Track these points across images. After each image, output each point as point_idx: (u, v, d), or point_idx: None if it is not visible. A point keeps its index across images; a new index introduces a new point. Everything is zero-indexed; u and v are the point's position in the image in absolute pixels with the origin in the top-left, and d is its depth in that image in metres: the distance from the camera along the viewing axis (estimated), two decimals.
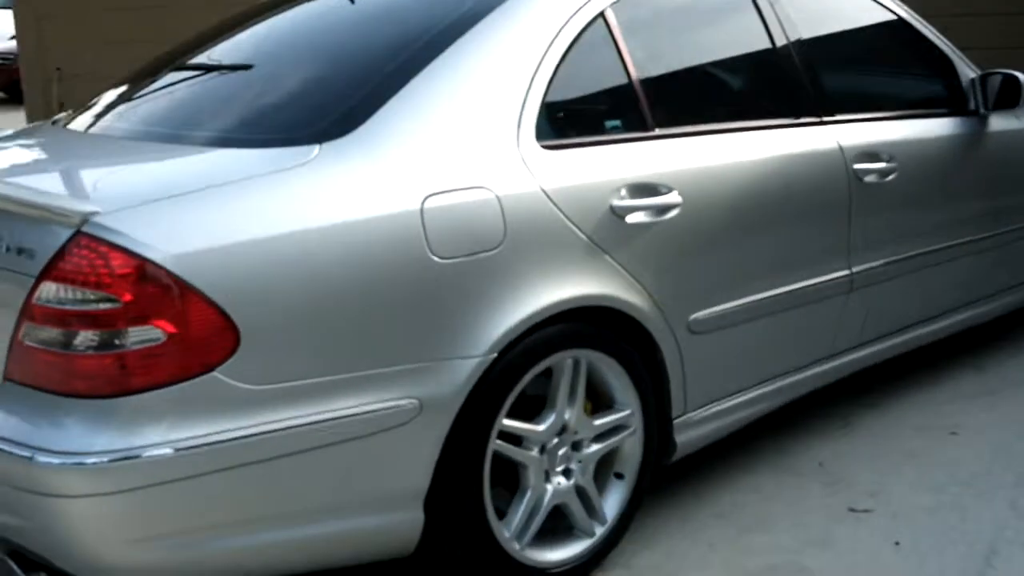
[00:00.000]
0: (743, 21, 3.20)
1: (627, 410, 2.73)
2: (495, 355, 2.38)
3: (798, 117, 3.23)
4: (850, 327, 3.37)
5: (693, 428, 2.92)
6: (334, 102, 2.47)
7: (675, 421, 2.87)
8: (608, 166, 2.68)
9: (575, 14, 2.74)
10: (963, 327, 3.97)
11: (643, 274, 2.69)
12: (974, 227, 3.83)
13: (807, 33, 3.32)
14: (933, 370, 4.05)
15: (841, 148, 3.26)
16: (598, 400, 2.72)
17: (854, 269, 3.31)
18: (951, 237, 3.72)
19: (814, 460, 3.35)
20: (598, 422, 2.69)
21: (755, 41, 3.22)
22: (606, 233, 2.62)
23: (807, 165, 3.15)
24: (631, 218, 2.67)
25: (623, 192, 2.66)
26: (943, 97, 3.83)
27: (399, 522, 2.36)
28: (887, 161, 3.40)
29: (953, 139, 3.76)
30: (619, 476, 2.78)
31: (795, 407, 3.46)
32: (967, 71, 3.88)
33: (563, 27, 2.70)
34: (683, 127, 2.91)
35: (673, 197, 2.75)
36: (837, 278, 3.27)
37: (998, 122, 3.94)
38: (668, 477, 3.13)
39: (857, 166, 3.29)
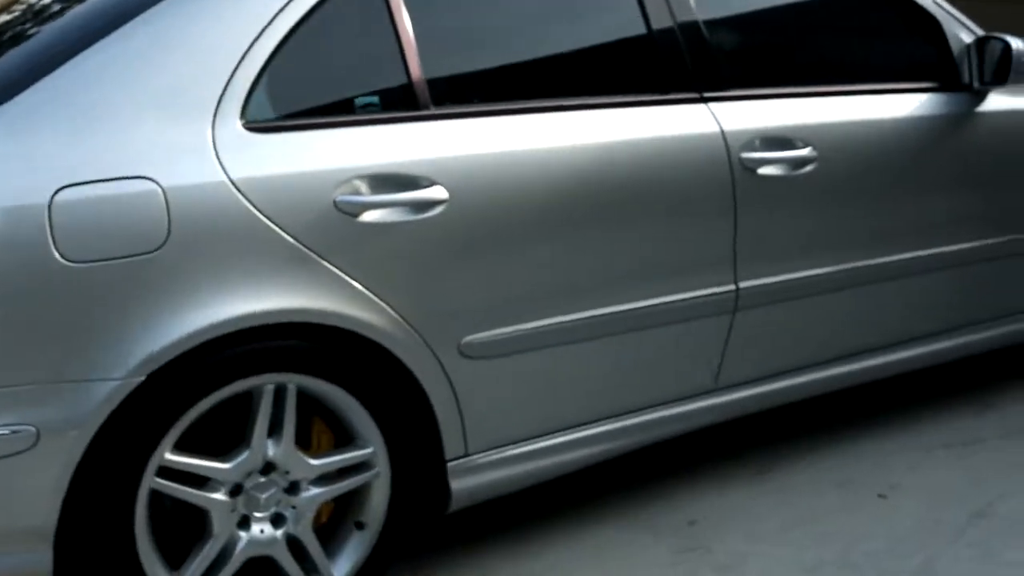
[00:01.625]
0: None
1: (368, 448, 2.26)
2: (142, 378, 2.00)
3: (659, 92, 2.61)
4: (738, 356, 2.71)
5: (477, 474, 2.40)
6: None
7: (450, 464, 2.37)
8: (340, 152, 2.20)
9: None
10: (933, 362, 3.16)
11: (383, 285, 2.21)
12: (949, 236, 3.06)
13: None
14: (893, 411, 3.29)
15: (723, 132, 2.61)
16: (343, 433, 2.28)
17: (742, 284, 2.64)
18: (909, 247, 2.98)
19: (688, 516, 2.72)
20: (317, 462, 2.23)
21: None
22: (324, 234, 2.16)
23: (659, 153, 2.53)
24: (367, 216, 2.18)
25: (357, 184, 2.17)
26: (920, 67, 3.11)
27: (22, 563, 2.01)
28: (801, 148, 2.71)
29: (924, 121, 3.02)
30: (359, 526, 2.32)
31: (709, 443, 2.91)
32: (960, 34, 3.11)
33: None
34: (474, 105, 2.40)
35: (434, 192, 2.24)
36: (712, 295, 2.62)
37: (999, 100, 3.13)
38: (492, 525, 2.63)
39: (747, 155, 2.62)
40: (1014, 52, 2.99)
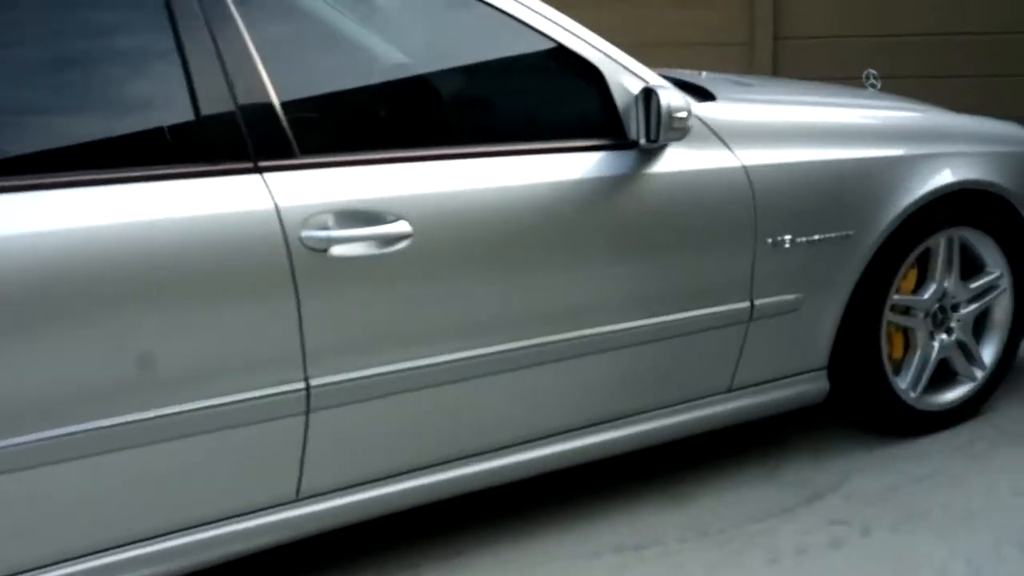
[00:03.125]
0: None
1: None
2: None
3: (207, 162, 2.16)
4: (325, 461, 2.33)
5: None
6: None
7: None
8: None
9: None
10: (609, 453, 2.72)
11: None
12: (616, 313, 2.58)
13: (239, 34, 2.20)
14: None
15: (277, 208, 2.16)
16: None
17: (314, 381, 2.29)
18: (556, 328, 2.51)
19: None
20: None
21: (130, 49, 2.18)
22: None
23: (204, 233, 2.12)
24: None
25: None
26: (579, 123, 2.61)
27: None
28: (391, 223, 2.25)
29: (574, 185, 2.51)
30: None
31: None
32: (626, 84, 2.59)
33: None
34: None
35: None
36: (278, 394, 2.22)
37: (683, 157, 2.64)
38: None
39: (309, 233, 2.20)
40: (662, 106, 2.49)
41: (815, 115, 2.97)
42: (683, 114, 2.51)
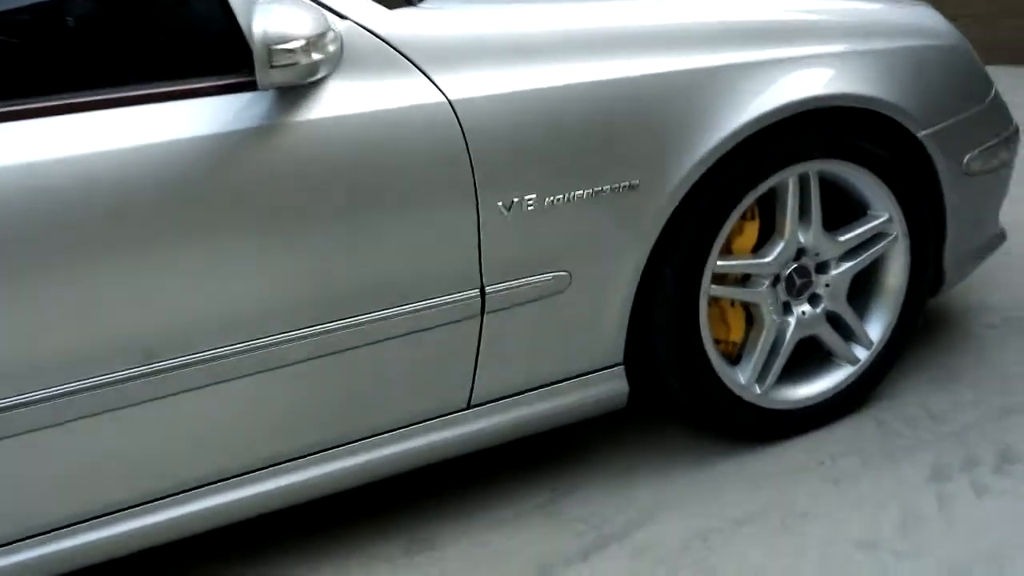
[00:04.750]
0: None
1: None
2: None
3: None
4: None
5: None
6: None
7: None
8: None
9: None
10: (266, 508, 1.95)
11: None
12: (254, 325, 1.80)
13: None
14: None
15: None
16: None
17: None
18: (166, 350, 1.76)
19: None
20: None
21: None
22: None
23: None
24: None
25: None
26: (181, 53, 1.81)
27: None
28: None
29: (173, 148, 1.70)
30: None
31: None
32: None
33: None
34: None
35: None
36: None
37: (337, 96, 1.80)
38: None
39: None
40: (255, 35, 1.65)
41: (576, 15, 2.03)
42: (293, 44, 1.64)
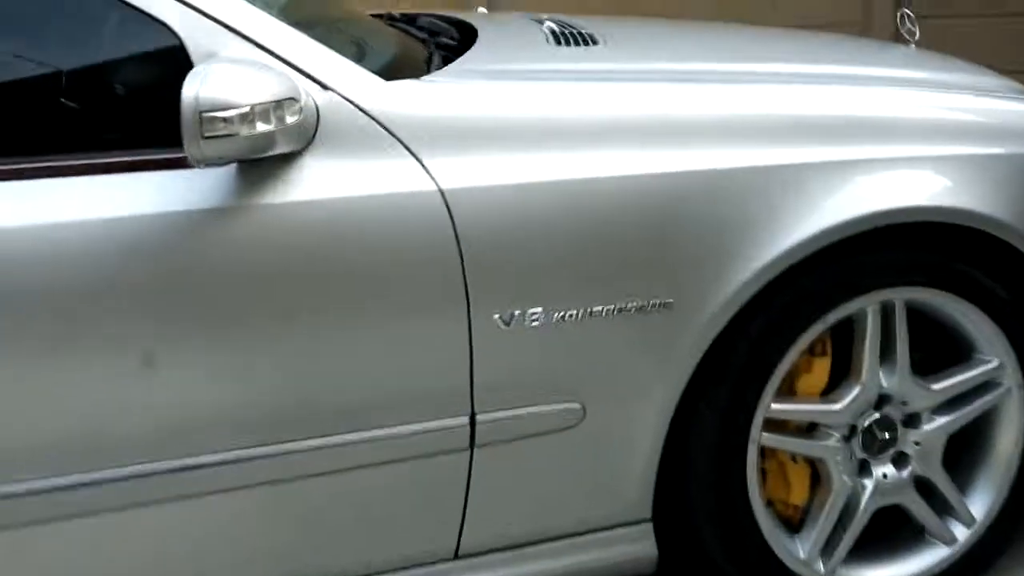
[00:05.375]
0: None
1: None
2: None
3: None
4: None
5: None
6: None
7: None
8: None
9: None
10: None
11: None
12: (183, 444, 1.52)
13: None
14: None
15: None
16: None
17: None
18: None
19: None
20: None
21: None
22: None
23: None
24: None
25: None
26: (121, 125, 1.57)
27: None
28: None
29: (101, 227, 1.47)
30: None
31: None
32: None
33: None
34: None
35: None
36: None
37: (305, 179, 1.53)
38: None
39: None
40: (184, 100, 1.39)
41: (609, 98, 1.69)
42: (230, 112, 1.38)
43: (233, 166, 1.49)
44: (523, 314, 1.57)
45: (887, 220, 1.71)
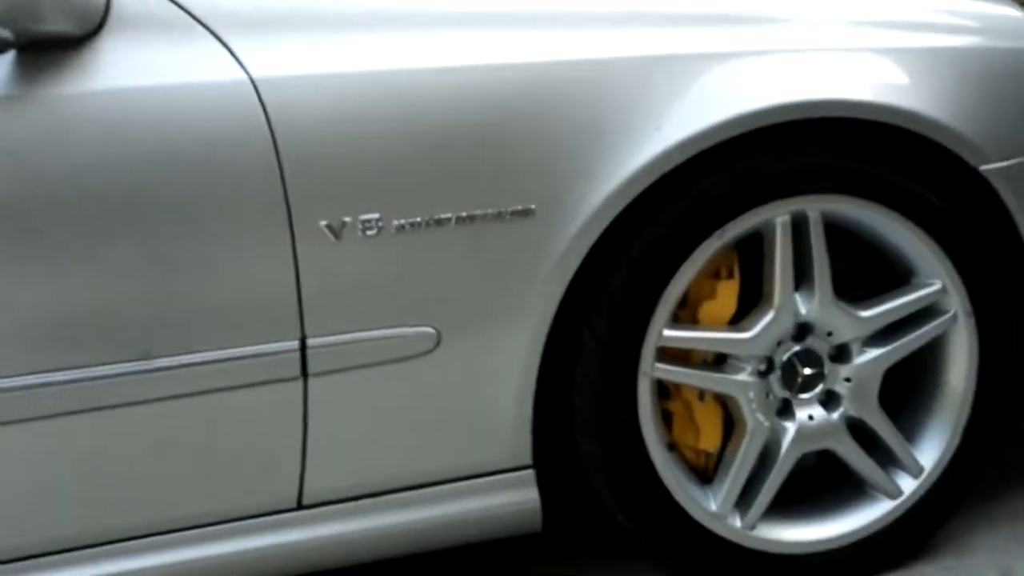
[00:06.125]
0: None
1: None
2: None
3: None
4: None
5: None
6: None
7: None
8: None
9: None
10: None
11: None
12: None
13: None
14: None
15: None
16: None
17: None
18: None
19: None
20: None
21: None
22: None
23: None
24: None
25: None
26: None
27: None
28: None
29: None
30: None
31: None
32: None
33: None
34: None
35: None
36: None
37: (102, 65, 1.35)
38: None
39: None
40: None
41: None
42: None
43: (12, 53, 1.36)
44: (355, 221, 1.37)
45: (781, 117, 1.47)
